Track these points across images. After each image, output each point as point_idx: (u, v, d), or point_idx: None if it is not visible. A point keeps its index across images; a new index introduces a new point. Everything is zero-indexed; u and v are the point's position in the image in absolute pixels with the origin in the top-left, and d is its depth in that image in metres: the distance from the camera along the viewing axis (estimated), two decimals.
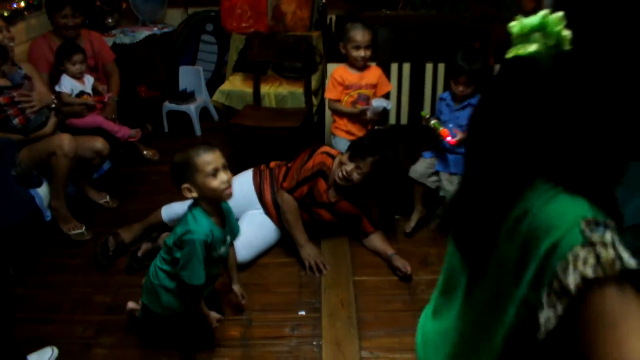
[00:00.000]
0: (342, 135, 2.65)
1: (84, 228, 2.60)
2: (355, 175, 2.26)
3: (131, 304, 1.99)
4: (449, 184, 2.39)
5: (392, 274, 2.33)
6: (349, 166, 2.27)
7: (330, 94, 2.61)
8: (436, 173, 2.47)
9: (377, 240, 2.45)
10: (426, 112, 2.62)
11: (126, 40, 3.58)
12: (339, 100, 2.60)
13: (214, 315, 1.88)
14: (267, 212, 2.43)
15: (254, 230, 2.36)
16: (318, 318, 2.08)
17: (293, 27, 3.65)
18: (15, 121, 2.38)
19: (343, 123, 2.64)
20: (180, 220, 1.80)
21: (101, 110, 2.94)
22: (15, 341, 1.57)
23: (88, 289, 2.26)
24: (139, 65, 3.69)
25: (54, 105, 2.54)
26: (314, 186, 2.34)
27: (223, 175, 1.70)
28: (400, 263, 2.31)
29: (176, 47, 3.98)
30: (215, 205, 1.78)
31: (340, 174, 2.28)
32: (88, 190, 2.85)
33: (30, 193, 2.40)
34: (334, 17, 3.57)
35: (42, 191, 2.47)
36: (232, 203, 1.86)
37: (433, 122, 2.34)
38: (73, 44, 2.87)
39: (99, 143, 2.67)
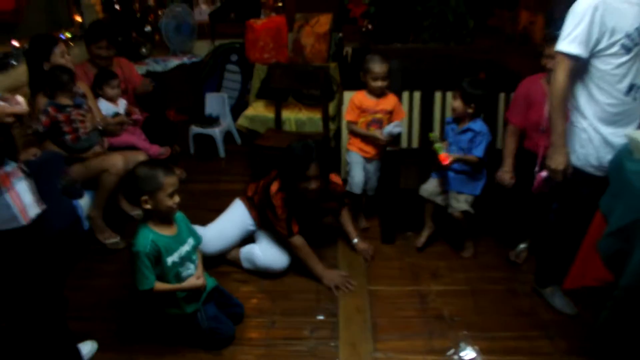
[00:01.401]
0: (355, 150, 2.88)
1: (119, 238, 2.82)
2: (318, 184, 2.38)
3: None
4: (457, 202, 2.57)
5: (406, 284, 2.49)
6: (310, 184, 2.36)
7: (349, 115, 2.84)
8: (445, 192, 2.65)
9: (345, 220, 2.72)
10: (436, 133, 2.81)
11: (158, 68, 3.87)
12: (355, 122, 2.83)
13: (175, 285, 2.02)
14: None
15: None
16: (335, 322, 2.24)
17: (312, 59, 3.93)
18: (68, 138, 2.63)
19: (357, 141, 2.87)
20: None
21: (134, 132, 3.19)
22: (70, 331, 1.75)
23: (124, 292, 2.44)
24: (169, 91, 3.97)
25: (100, 128, 2.80)
26: (296, 207, 2.48)
27: (177, 198, 1.97)
28: (362, 248, 2.68)
29: (203, 75, 4.28)
30: (165, 218, 2.00)
31: (311, 195, 2.40)
32: (122, 203, 3.07)
33: (73, 203, 2.62)
34: (349, 50, 3.84)
35: (83, 202, 2.69)
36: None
37: (436, 145, 2.54)
38: (110, 71, 3.14)
39: (142, 157, 2.91)
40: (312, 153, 2.36)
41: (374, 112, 2.78)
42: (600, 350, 2.02)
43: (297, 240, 2.47)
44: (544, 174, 2.16)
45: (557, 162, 2.01)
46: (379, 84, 2.73)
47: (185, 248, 2.06)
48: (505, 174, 2.54)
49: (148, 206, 1.94)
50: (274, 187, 2.44)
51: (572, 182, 2.05)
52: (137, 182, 1.93)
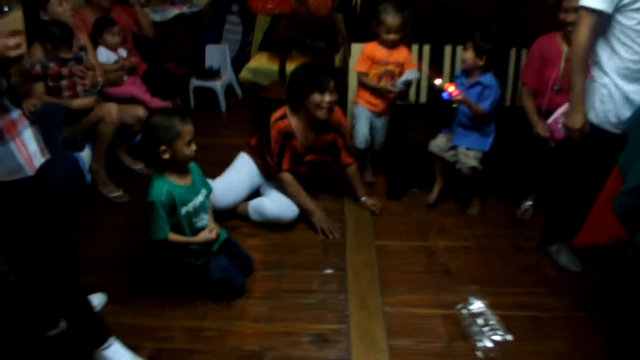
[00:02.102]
0: (363, 104, 2.82)
1: (121, 191, 2.78)
2: (333, 96, 2.41)
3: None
4: (465, 158, 2.54)
5: (412, 240, 2.50)
6: (325, 98, 2.38)
7: (359, 66, 2.76)
8: (454, 148, 2.62)
9: (354, 175, 2.69)
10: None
11: (157, 17, 3.73)
12: (367, 74, 2.76)
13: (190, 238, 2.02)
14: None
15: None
16: (343, 276, 2.25)
17: (316, 9, 3.78)
18: (66, 93, 2.56)
19: (366, 94, 2.81)
20: None
21: (135, 83, 3.10)
22: (81, 283, 1.74)
23: (128, 245, 2.43)
24: (168, 42, 3.84)
25: (100, 87, 2.71)
26: (290, 148, 2.49)
27: (194, 146, 1.94)
28: (370, 203, 2.67)
29: (203, 25, 4.14)
30: (181, 168, 1.98)
31: (324, 109, 2.40)
32: (123, 157, 3.02)
33: (75, 156, 2.57)
34: (359, 0, 3.69)
35: (85, 155, 2.64)
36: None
37: (438, 82, 2.49)
38: (109, 18, 3.02)
39: (140, 111, 2.84)
40: (328, 68, 2.40)
41: (386, 63, 2.71)
42: (607, 306, 2.06)
43: (286, 175, 2.49)
44: (559, 125, 2.15)
45: (574, 120, 1.98)
46: (392, 36, 2.66)
47: (200, 198, 2.04)
48: (541, 130, 2.47)
49: (166, 156, 1.91)
50: (277, 114, 2.47)
51: (589, 140, 2.02)
52: (154, 132, 1.89)
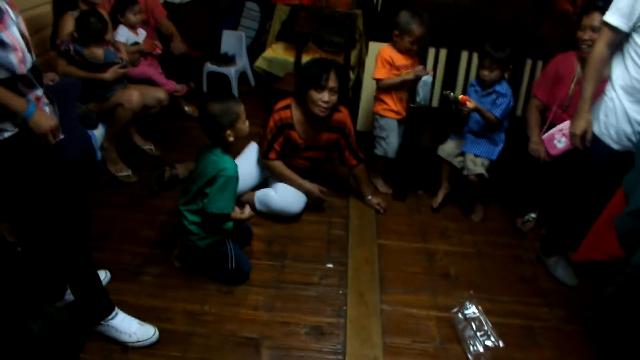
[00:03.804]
0: (391, 116, 2.75)
1: (130, 171, 2.82)
2: (332, 97, 2.40)
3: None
4: (473, 165, 2.57)
5: (414, 241, 2.54)
6: (323, 95, 2.37)
7: (380, 73, 2.66)
8: (462, 154, 2.65)
9: (360, 175, 2.71)
10: (450, 92, 2.66)
11: (175, 0, 3.73)
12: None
13: (244, 214, 2.11)
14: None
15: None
16: (344, 271, 2.29)
17: (335, 4, 3.80)
18: None
19: (392, 103, 2.73)
20: (207, 162, 2.03)
21: (151, 64, 3.12)
22: (91, 258, 1.78)
23: (135, 224, 2.47)
24: (185, 25, 3.84)
25: (125, 83, 2.73)
26: (288, 138, 2.52)
27: (247, 121, 2.05)
28: (376, 202, 2.71)
29: (221, 11, 4.14)
30: (233, 147, 2.06)
31: (321, 107, 2.39)
32: (135, 137, 3.05)
33: (88, 133, 2.60)
34: None
35: (98, 133, 2.67)
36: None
37: (451, 94, 2.51)
38: None
39: (161, 93, 2.86)
40: (330, 65, 2.40)
41: (406, 67, 2.68)
42: (598, 322, 2.10)
43: (272, 162, 2.55)
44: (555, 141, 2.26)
45: (578, 126, 2.04)
46: (415, 46, 2.63)
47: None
48: (538, 145, 2.51)
49: (231, 138, 1.99)
50: (282, 103, 2.52)
51: (590, 151, 2.06)
52: (217, 119, 1.96)
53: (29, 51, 1.49)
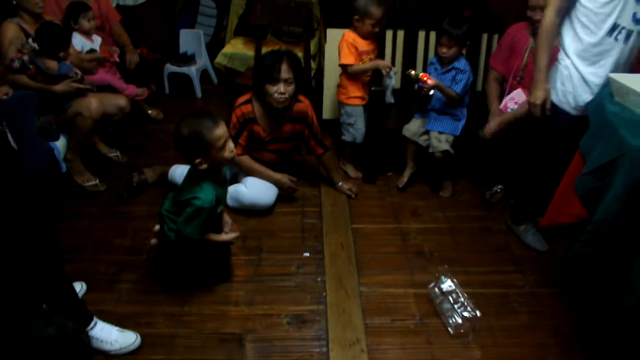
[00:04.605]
0: (357, 102, 2.77)
1: (97, 180, 2.77)
2: (288, 88, 2.38)
3: (154, 240, 2.16)
4: (438, 142, 2.61)
5: (387, 222, 2.58)
6: (278, 87, 2.36)
7: (346, 59, 2.65)
8: (426, 132, 2.69)
9: (329, 163, 2.73)
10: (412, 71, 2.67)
11: (129, 2, 3.66)
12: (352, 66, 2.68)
13: (225, 236, 2.07)
14: None
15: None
16: (321, 259, 2.32)
17: None
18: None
19: (358, 90, 2.75)
20: (186, 181, 1.94)
21: (109, 70, 3.06)
22: (64, 270, 1.75)
23: (107, 233, 2.44)
24: (141, 27, 3.78)
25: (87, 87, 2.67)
26: (252, 133, 2.52)
27: (230, 145, 1.86)
28: (347, 187, 2.74)
29: (176, 10, 4.08)
30: (219, 169, 1.95)
31: (278, 100, 2.38)
32: (99, 145, 3.01)
33: (49, 145, 2.55)
34: None
35: (60, 144, 2.62)
36: None
37: (412, 72, 2.54)
38: (83, 2, 2.96)
39: (122, 100, 2.81)
40: (282, 56, 2.35)
41: (369, 53, 2.70)
42: (569, 282, 2.18)
43: (239, 157, 2.49)
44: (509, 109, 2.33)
45: (536, 96, 2.09)
46: (377, 28, 2.63)
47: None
48: (491, 121, 2.55)
49: (204, 166, 1.82)
50: (242, 98, 2.51)
51: (550, 119, 2.12)
52: (186, 145, 1.80)
53: None
